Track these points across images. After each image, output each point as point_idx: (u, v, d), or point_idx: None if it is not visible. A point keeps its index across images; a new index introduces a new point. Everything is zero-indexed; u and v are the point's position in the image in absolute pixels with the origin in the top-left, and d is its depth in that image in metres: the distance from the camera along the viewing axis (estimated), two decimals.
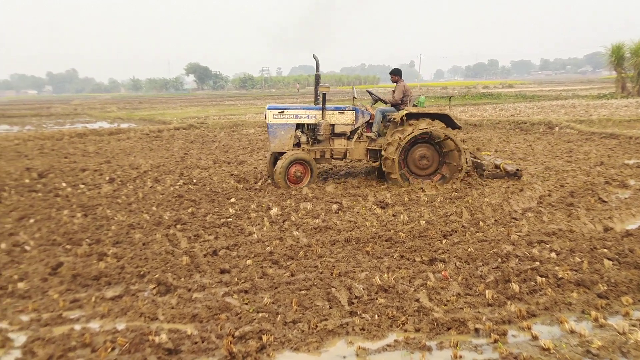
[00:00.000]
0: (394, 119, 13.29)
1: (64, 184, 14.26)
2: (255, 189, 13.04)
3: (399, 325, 5.88)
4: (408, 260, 7.90)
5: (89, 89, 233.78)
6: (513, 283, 6.80)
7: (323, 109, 13.60)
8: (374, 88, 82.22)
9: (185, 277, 7.47)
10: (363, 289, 6.73)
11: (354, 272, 7.38)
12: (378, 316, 6.05)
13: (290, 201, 11.58)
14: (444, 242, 8.65)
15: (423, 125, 12.94)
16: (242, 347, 5.43)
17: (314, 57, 13.67)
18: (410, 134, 12.89)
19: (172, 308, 6.41)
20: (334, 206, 10.95)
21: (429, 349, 5.45)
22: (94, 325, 6.12)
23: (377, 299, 6.49)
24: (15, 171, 16.52)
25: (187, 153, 20.27)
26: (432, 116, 13.23)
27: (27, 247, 8.83)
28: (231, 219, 10.28)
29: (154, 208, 11.38)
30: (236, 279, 7.27)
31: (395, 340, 5.59)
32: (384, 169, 13.22)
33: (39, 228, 10.02)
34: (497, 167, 13.85)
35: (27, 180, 14.92)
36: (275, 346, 5.48)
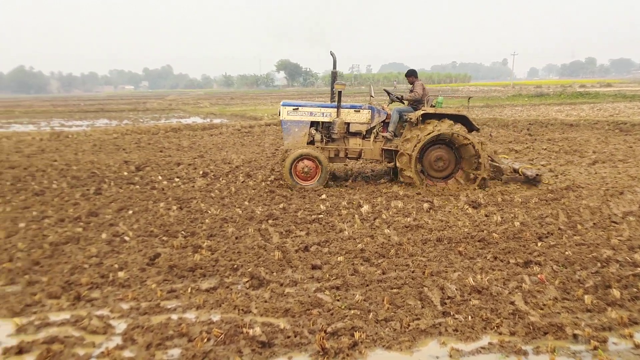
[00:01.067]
0: (410, 119, 12.99)
1: (159, 177, 14.68)
2: (346, 186, 13.07)
3: (494, 327, 5.78)
4: (502, 262, 7.75)
5: (183, 84, 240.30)
6: (614, 289, 6.56)
7: (338, 107, 13.38)
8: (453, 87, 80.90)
9: (277, 271, 7.56)
10: (456, 289, 6.64)
11: (446, 272, 7.30)
12: (472, 317, 5.95)
13: (381, 199, 11.55)
14: (539, 244, 8.42)
15: (445, 126, 12.54)
16: (334, 343, 5.45)
17: (332, 54, 13.47)
18: (430, 133, 12.50)
19: (265, 302, 6.50)
20: (425, 205, 10.85)
21: (525, 353, 5.32)
22: (190, 315, 6.28)
23: (470, 300, 6.39)
24: (114, 164, 17.13)
25: (277, 149, 20.50)
26: (450, 117, 12.80)
27: (126, 238, 9.13)
28: (322, 215, 10.34)
29: (246, 203, 11.57)
30: (327, 275, 7.31)
31: (490, 343, 5.49)
32: (398, 165, 12.88)
33: (137, 219, 10.35)
34: (515, 171, 13.36)
35: (125, 173, 15.44)
36: (367, 343, 5.48)
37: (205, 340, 5.54)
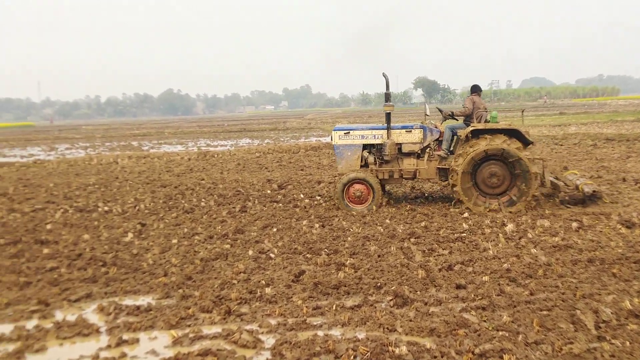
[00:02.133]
0: (460, 135, 12.70)
1: (301, 195, 14.99)
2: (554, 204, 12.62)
3: None
4: None
5: (321, 103, 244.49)
6: None
7: (388, 128, 13.31)
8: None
9: (421, 290, 7.51)
10: (611, 312, 6.32)
11: (599, 294, 6.96)
12: (630, 343, 5.64)
13: (527, 217, 11.23)
14: None
15: (497, 141, 12.10)
16: None
17: (384, 76, 13.30)
18: (480, 149, 12.10)
19: (410, 321, 6.47)
20: (574, 224, 10.42)
21: None
22: (336, 332, 6.35)
23: (627, 324, 6.05)
24: (257, 182, 17.69)
25: None
26: (501, 132, 12.34)
27: (272, 255, 9.38)
28: (465, 234, 10.18)
29: (387, 221, 11.59)
30: (473, 295, 7.18)
31: None
32: (450, 181, 12.56)
33: (281, 237, 10.62)
34: (577, 187, 12.52)
35: (268, 191, 15.89)
36: None
37: (352, 357, 5.59)
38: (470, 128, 12.49)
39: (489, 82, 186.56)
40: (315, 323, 6.64)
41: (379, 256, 9.08)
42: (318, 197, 14.63)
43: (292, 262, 9.00)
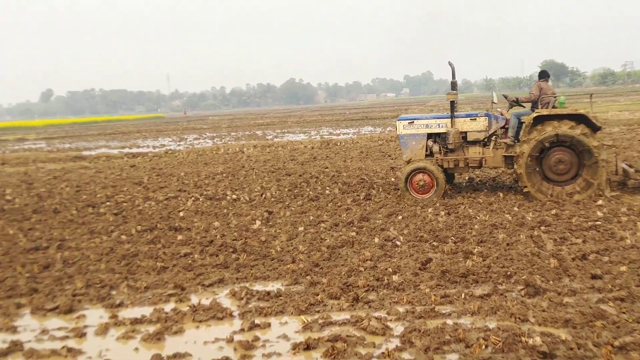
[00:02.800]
0: (524, 122, 12.40)
1: None
2: (626, 191, 12.15)
3: None
4: None
5: (443, 90, 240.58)
6: None
7: (452, 116, 13.20)
8: None
9: (554, 280, 7.27)
10: None
11: None
12: None
13: None
14: None
15: (565, 127, 11.77)
16: (622, 358, 5.12)
17: (450, 64, 13.32)
18: (546, 134, 11.81)
19: (543, 311, 6.28)
20: None
21: None
22: (465, 321, 6.27)
23: None
24: (381, 170, 17.69)
25: None
26: (567, 117, 11.96)
27: (398, 242, 9.36)
28: (600, 222, 9.76)
29: (515, 208, 11.30)
30: (610, 286, 6.88)
31: None
32: (515, 167, 12.31)
33: (407, 224, 10.57)
34: None
35: (392, 179, 15.85)
36: None
37: (483, 347, 5.49)
38: (535, 114, 12.23)
39: (622, 63, 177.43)
40: (444, 311, 6.57)
41: (507, 244, 8.87)
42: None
43: (419, 249, 8.94)
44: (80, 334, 6.61)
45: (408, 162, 13.54)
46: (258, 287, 7.88)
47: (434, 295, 6.98)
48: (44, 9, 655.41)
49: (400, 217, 11.14)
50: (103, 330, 6.67)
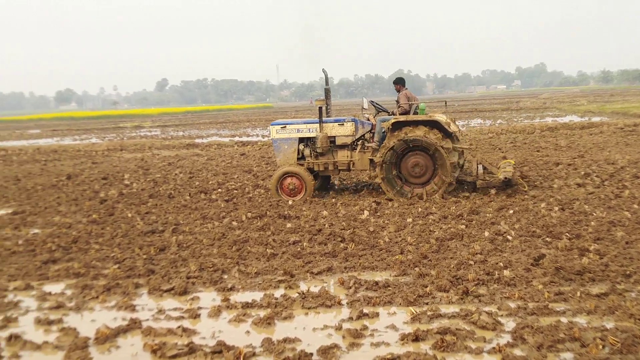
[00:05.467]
0: (383, 128, 13.02)
1: (539, 178, 14.46)
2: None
3: None
4: None
5: (557, 82, 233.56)
6: None
7: (320, 122, 13.73)
8: None
9: None
10: None
11: None
12: None
13: None
14: None
15: (417, 132, 12.60)
16: None
17: (323, 71, 14.14)
18: (397, 140, 12.65)
19: None
20: None
21: None
22: (580, 320, 6.07)
23: None
24: (491, 163, 17.30)
25: None
26: (422, 123, 12.74)
27: (509, 237, 9.16)
28: None
29: (634, 206, 10.82)
30: None
31: None
32: (372, 173, 13.17)
33: (518, 219, 10.31)
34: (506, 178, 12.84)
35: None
36: None
37: (600, 347, 5.30)
38: (392, 120, 12.88)
39: None
40: (558, 309, 6.38)
41: (626, 243, 8.51)
42: (556, 180, 14.00)
43: (531, 245, 8.72)
44: (195, 315, 6.83)
45: (281, 166, 14.09)
46: (366, 276, 7.90)
47: (547, 292, 6.79)
48: (157, 4, 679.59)
49: (511, 212, 10.88)
50: (216, 312, 6.86)
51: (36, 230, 11.52)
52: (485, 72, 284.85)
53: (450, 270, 7.74)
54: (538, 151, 20.29)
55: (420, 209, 11.53)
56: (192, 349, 5.79)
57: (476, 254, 8.38)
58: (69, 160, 25.74)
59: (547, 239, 9.01)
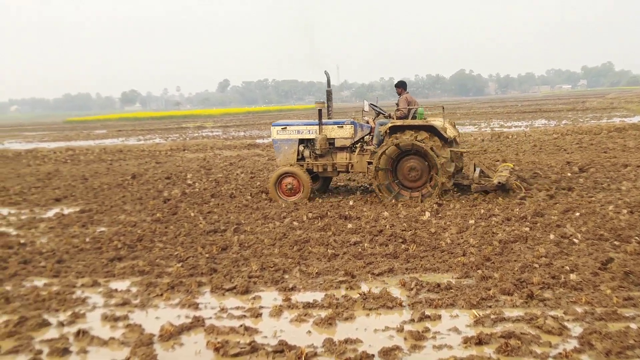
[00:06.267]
0: (381, 132, 13.30)
1: (606, 179, 14.11)
2: None
3: None
4: None
5: (624, 81, 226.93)
6: None
7: (320, 124, 13.95)
8: None
9: None
10: None
11: None
12: None
13: None
14: None
15: (405, 137, 12.75)
16: None
17: (325, 74, 14.39)
18: (391, 145, 12.83)
19: None
20: None
21: None
22: None
23: None
24: (555, 165, 16.98)
25: None
26: (418, 128, 12.93)
27: (575, 240, 8.95)
28: None
29: None
30: None
31: None
32: (369, 178, 13.47)
33: (585, 222, 10.07)
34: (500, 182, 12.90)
35: (568, 174, 15.19)
36: None
37: None
38: (389, 124, 13.09)
39: None
40: (627, 314, 6.21)
41: None
42: (625, 182, 13.62)
43: (598, 248, 8.50)
44: (256, 314, 6.87)
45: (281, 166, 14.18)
46: (428, 278, 7.83)
47: (616, 297, 6.61)
48: (219, 7, 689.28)
49: (577, 214, 10.63)
50: (277, 312, 6.90)
51: (102, 229, 11.77)
52: (550, 72, 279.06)
53: (514, 273, 7.61)
54: (605, 152, 19.80)
55: (482, 211, 11.37)
56: (254, 348, 5.83)
57: (541, 257, 8.22)
58: (134, 160, 26.28)
59: (615, 242, 8.77)
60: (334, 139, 14.06)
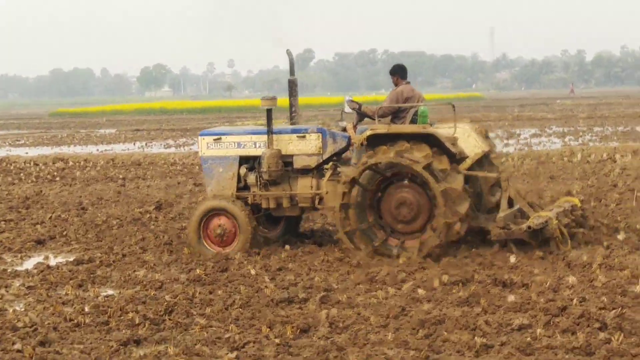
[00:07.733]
0: (355, 143, 9.79)
1: None
2: None
3: None
4: None
5: None
6: None
7: (268, 132, 10.14)
8: None
9: None
10: None
11: None
12: None
13: None
14: None
15: (392, 153, 9.01)
16: None
17: (288, 54, 10.65)
18: (365, 166, 9.17)
19: None
20: None
21: None
22: None
23: None
24: None
25: None
26: (413, 137, 9.15)
27: None
28: None
29: None
30: None
31: None
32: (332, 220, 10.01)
33: None
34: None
35: None
36: None
37: None
38: (368, 132, 9.39)
39: None
40: None
41: None
42: None
43: None
44: None
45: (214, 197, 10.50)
46: None
47: None
48: None
49: None
50: None
51: (110, 292, 8.57)
52: None
53: None
54: None
55: None
56: None
57: None
58: (159, 180, 20.79)
59: None
60: (291, 155, 10.27)
